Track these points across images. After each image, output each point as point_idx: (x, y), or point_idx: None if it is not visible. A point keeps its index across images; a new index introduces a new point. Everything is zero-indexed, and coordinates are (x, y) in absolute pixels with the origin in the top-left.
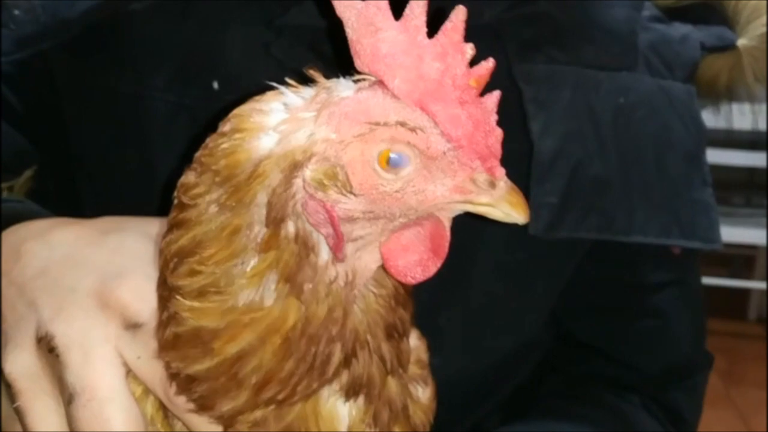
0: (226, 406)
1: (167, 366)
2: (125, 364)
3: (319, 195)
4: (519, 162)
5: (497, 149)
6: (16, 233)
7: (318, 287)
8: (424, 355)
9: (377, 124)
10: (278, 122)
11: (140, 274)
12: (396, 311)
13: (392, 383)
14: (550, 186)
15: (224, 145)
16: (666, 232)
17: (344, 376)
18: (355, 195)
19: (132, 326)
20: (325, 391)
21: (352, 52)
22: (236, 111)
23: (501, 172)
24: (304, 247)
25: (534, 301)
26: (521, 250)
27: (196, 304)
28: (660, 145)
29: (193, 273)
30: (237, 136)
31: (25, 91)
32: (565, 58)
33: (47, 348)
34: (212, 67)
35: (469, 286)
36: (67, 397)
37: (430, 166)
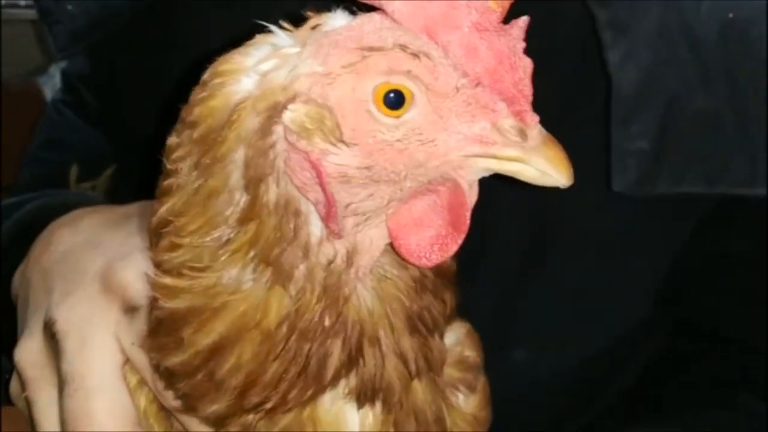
0: (208, 409)
1: (148, 356)
2: (123, 352)
3: (303, 144)
4: (596, 108)
5: (527, 88)
6: (55, 222)
7: (311, 271)
8: (471, 354)
9: (371, 50)
10: (259, 61)
11: (146, 255)
12: (422, 299)
13: (419, 388)
14: (638, 128)
15: (201, 94)
16: None
17: (352, 379)
18: (347, 144)
19: (130, 310)
20: (329, 394)
21: None
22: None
23: (533, 118)
24: (289, 217)
25: (635, 280)
26: (615, 214)
27: (168, 281)
28: None
29: (173, 247)
30: (214, 81)
31: (97, 86)
32: None
33: (50, 334)
34: None
35: (551, 264)
36: (59, 386)
37: (441, 107)
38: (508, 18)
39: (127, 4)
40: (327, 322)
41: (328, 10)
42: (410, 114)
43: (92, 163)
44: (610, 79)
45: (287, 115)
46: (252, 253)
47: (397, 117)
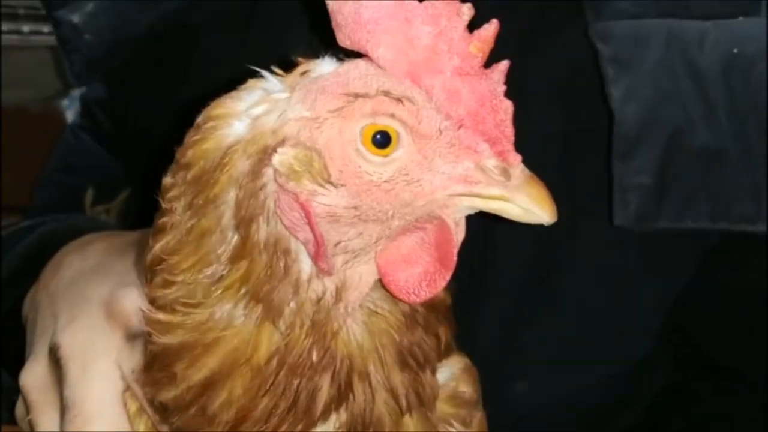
0: None
1: (143, 391)
2: (124, 378)
3: (292, 186)
4: (600, 141)
5: (508, 129)
6: (65, 247)
7: (300, 307)
8: (467, 390)
9: (356, 96)
10: (250, 105)
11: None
12: (413, 334)
13: (411, 424)
14: (639, 162)
15: (195, 137)
16: None
17: (342, 414)
18: (334, 185)
19: (132, 337)
20: (320, 429)
21: (333, 25)
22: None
23: (515, 157)
24: (280, 256)
25: (639, 314)
26: (619, 248)
27: (162, 317)
28: None
29: (167, 284)
30: (208, 125)
31: (114, 112)
32: (656, 11)
33: (55, 359)
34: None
35: (558, 293)
36: (61, 411)
37: (425, 148)
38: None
39: (142, 34)
40: (315, 357)
41: (319, 53)
42: (397, 153)
43: (107, 187)
44: (612, 113)
45: (276, 158)
46: (243, 290)
47: (385, 156)
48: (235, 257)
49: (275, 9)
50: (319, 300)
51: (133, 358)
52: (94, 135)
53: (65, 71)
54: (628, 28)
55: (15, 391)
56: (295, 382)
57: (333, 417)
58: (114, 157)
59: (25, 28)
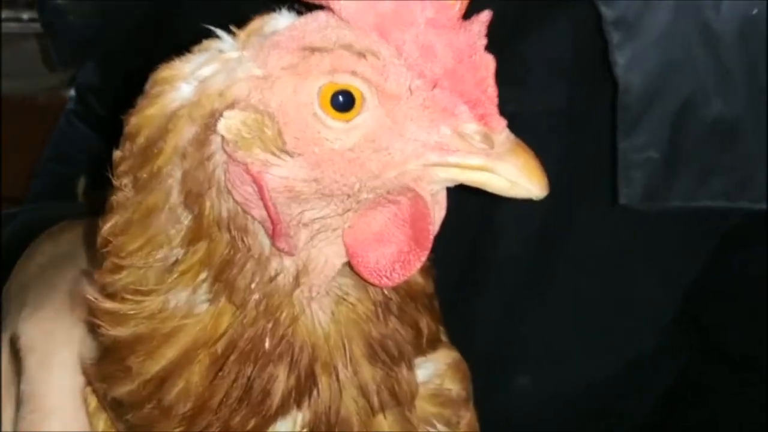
0: None
1: (95, 387)
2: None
3: (241, 155)
4: (604, 115)
5: (491, 89)
6: (42, 235)
7: (256, 288)
8: (454, 387)
9: (313, 50)
10: (198, 66)
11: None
12: (386, 325)
13: (385, 424)
14: (646, 136)
15: (141, 103)
16: None
17: (306, 412)
18: (290, 155)
19: (95, 330)
20: (282, 428)
21: None
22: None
23: (499, 122)
24: (238, 233)
25: (649, 302)
26: (626, 231)
27: (109, 306)
28: None
29: (116, 269)
30: (154, 89)
31: (107, 97)
32: None
33: (15, 350)
34: None
35: (557, 282)
36: (17, 405)
37: (394, 111)
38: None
39: (129, 17)
40: (268, 344)
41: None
42: (361, 117)
43: (99, 176)
44: (617, 83)
45: (222, 123)
46: (204, 274)
47: (347, 120)
48: (192, 239)
49: None
50: (271, 280)
51: (94, 351)
52: (87, 121)
53: (51, 55)
54: None
55: None
56: (248, 370)
57: (295, 414)
58: (107, 144)
59: (25, 15)
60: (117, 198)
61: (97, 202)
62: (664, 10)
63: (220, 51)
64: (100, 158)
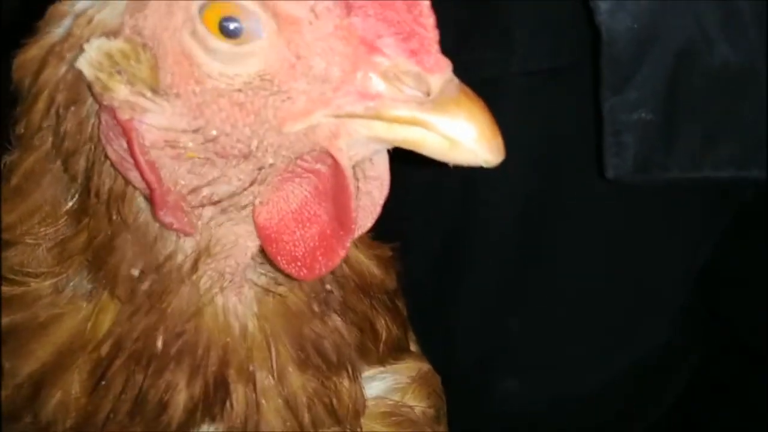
0: None
1: None
2: None
3: (107, 98)
4: (585, 80)
5: (427, 20)
6: None
7: (142, 273)
8: (417, 405)
9: None
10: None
11: None
12: (322, 321)
13: None
14: (637, 92)
15: (28, 43)
16: None
17: (220, 428)
18: (165, 96)
19: None
20: None
21: None
22: None
23: (439, 62)
24: (114, 204)
25: (655, 289)
26: (624, 207)
27: None
28: None
29: (6, 245)
30: (43, 29)
31: None
32: None
33: None
34: None
35: (548, 267)
36: None
37: (296, 41)
38: None
39: None
40: (159, 344)
41: None
42: (256, 44)
43: None
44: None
45: (82, 57)
46: (87, 256)
47: (237, 44)
48: (79, 212)
49: None
50: (163, 263)
51: None
52: None
53: None
54: None
55: None
56: (138, 377)
57: (206, 429)
58: None
59: None
60: (8, 160)
61: None
62: None
63: None
64: None
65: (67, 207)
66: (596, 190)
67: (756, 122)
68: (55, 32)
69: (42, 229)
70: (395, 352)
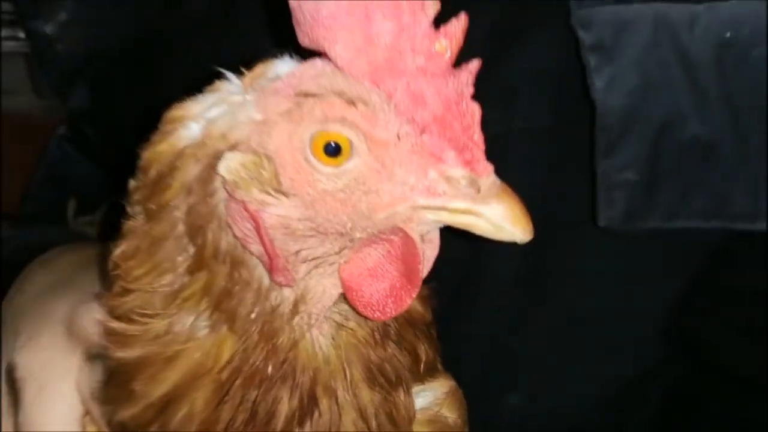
0: None
1: (101, 410)
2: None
3: (240, 195)
4: (586, 138)
5: (477, 136)
6: (33, 261)
7: (257, 316)
8: (450, 415)
9: (306, 95)
10: (207, 107)
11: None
12: (384, 349)
13: None
14: (625, 157)
15: (154, 139)
16: None
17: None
18: (286, 195)
19: (93, 357)
20: None
21: (294, 22)
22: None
23: (486, 167)
24: (236, 266)
25: (637, 318)
26: (612, 250)
27: (118, 326)
28: None
29: (124, 292)
30: (166, 127)
31: (97, 120)
32: None
33: (11, 380)
34: None
35: (547, 300)
36: None
37: (383, 156)
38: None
39: (115, 44)
40: (271, 369)
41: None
42: (351, 163)
43: (90, 199)
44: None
45: (222, 164)
46: (205, 302)
47: (337, 166)
48: (194, 268)
49: (248, 15)
50: (273, 310)
51: (93, 380)
52: (78, 145)
53: (42, 83)
54: (612, 13)
55: None
56: (253, 393)
57: None
58: (98, 167)
59: (22, 33)
60: (129, 225)
61: (88, 226)
62: (641, 34)
63: (227, 93)
64: (90, 182)
65: (185, 264)
66: (589, 234)
67: (721, 184)
68: (183, 133)
69: (159, 280)
70: (430, 372)
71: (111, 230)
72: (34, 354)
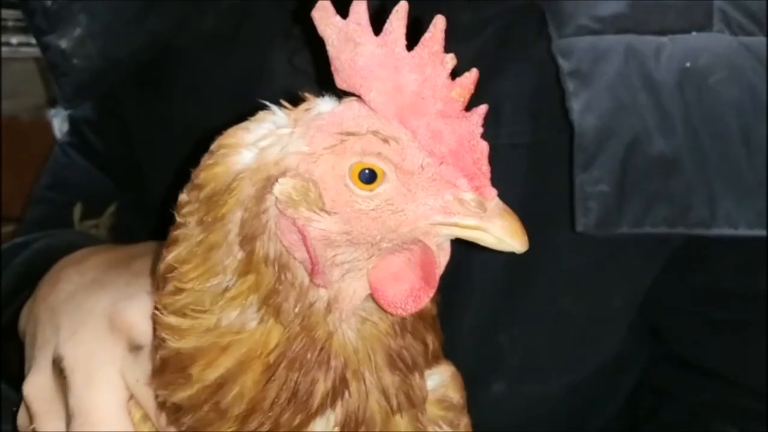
0: None
1: (155, 394)
2: (128, 387)
3: (290, 212)
4: (565, 154)
5: (485, 167)
6: (61, 261)
7: (300, 311)
8: (455, 396)
9: (348, 134)
10: (258, 138)
11: (151, 296)
12: (402, 339)
13: (402, 424)
14: (599, 171)
15: (208, 161)
16: (762, 222)
17: (338, 411)
18: (328, 213)
19: (135, 348)
20: (319, 426)
21: (332, 69)
22: (228, 130)
23: (491, 192)
24: (282, 270)
25: (610, 312)
26: (588, 253)
27: (173, 321)
28: (746, 114)
29: (177, 291)
30: (220, 151)
31: (102, 130)
32: (616, 27)
33: (59, 370)
34: (264, 88)
35: (531, 298)
36: (67, 420)
37: (409, 182)
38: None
39: (129, 57)
40: (309, 355)
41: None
42: (382, 188)
43: (96, 203)
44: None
45: (277, 188)
46: (252, 299)
47: (371, 190)
48: (242, 271)
49: (259, 30)
50: (311, 306)
51: (136, 368)
52: (83, 152)
53: (56, 94)
54: (588, 43)
55: (14, 402)
56: (294, 375)
57: (329, 414)
58: (102, 173)
59: (14, 40)
60: (180, 232)
61: (94, 229)
62: (613, 62)
63: (274, 124)
64: (95, 187)
65: (232, 267)
66: (568, 238)
67: (682, 195)
68: (237, 159)
69: (210, 281)
70: (435, 359)
71: (118, 232)
72: (79, 346)
